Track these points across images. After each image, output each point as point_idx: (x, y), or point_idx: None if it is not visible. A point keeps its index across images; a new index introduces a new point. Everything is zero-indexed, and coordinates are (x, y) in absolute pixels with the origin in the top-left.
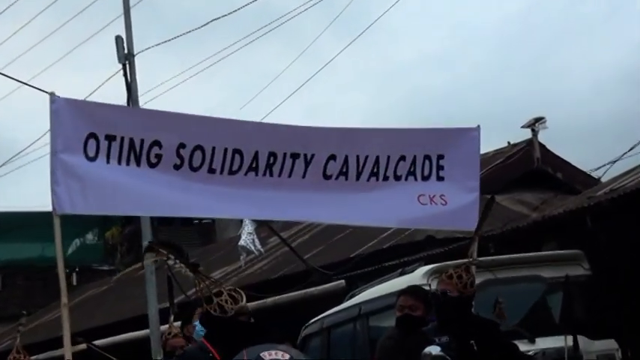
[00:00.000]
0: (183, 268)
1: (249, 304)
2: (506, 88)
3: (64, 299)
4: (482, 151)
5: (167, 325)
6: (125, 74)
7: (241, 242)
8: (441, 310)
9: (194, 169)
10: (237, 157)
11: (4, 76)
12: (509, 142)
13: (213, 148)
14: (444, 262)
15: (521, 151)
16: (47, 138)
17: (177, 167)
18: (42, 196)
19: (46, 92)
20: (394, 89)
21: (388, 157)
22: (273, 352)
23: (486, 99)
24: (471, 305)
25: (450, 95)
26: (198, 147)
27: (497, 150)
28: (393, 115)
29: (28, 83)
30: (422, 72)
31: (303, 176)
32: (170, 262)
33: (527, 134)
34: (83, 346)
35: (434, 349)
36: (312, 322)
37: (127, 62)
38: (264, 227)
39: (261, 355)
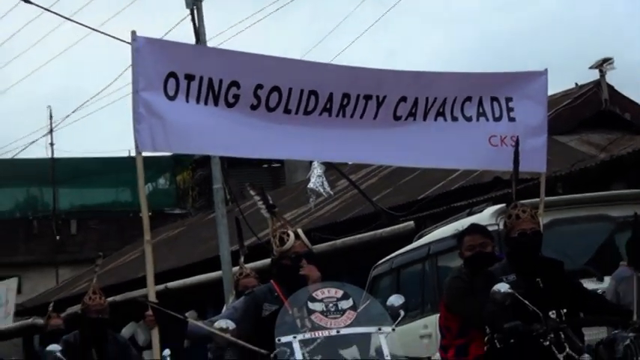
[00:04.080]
0: (263, 208)
1: (319, 245)
2: (576, 30)
3: (147, 236)
4: (549, 93)
5: (238, 267)
6: (193, 19)
7: (310, 185)
8: (516, 248)
9: (270, 110)
10: (312, 98)
11: (76, 24)
12: (576, 84)
13: (290, 89)
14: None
15: (589, 92)
16: (118, 83)
17: (254, 107)
18: (115, 142)
19: (118, 39)
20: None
21: (455, 99)
22: (326, 290)
23: (554, 42)
24: (541, 244)
25: (524, 38)
26: (275, 88)
27: (565, 91)
28: (463, 61)
29: (100, 30)
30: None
31: (375, 117)
32: (257, 201)
33: (595, 75)
34: (161, 286)
35: (502, 287)
36: (382, 263)
37: (194, 7)
38: (332, 170)
39: (313, 294)
